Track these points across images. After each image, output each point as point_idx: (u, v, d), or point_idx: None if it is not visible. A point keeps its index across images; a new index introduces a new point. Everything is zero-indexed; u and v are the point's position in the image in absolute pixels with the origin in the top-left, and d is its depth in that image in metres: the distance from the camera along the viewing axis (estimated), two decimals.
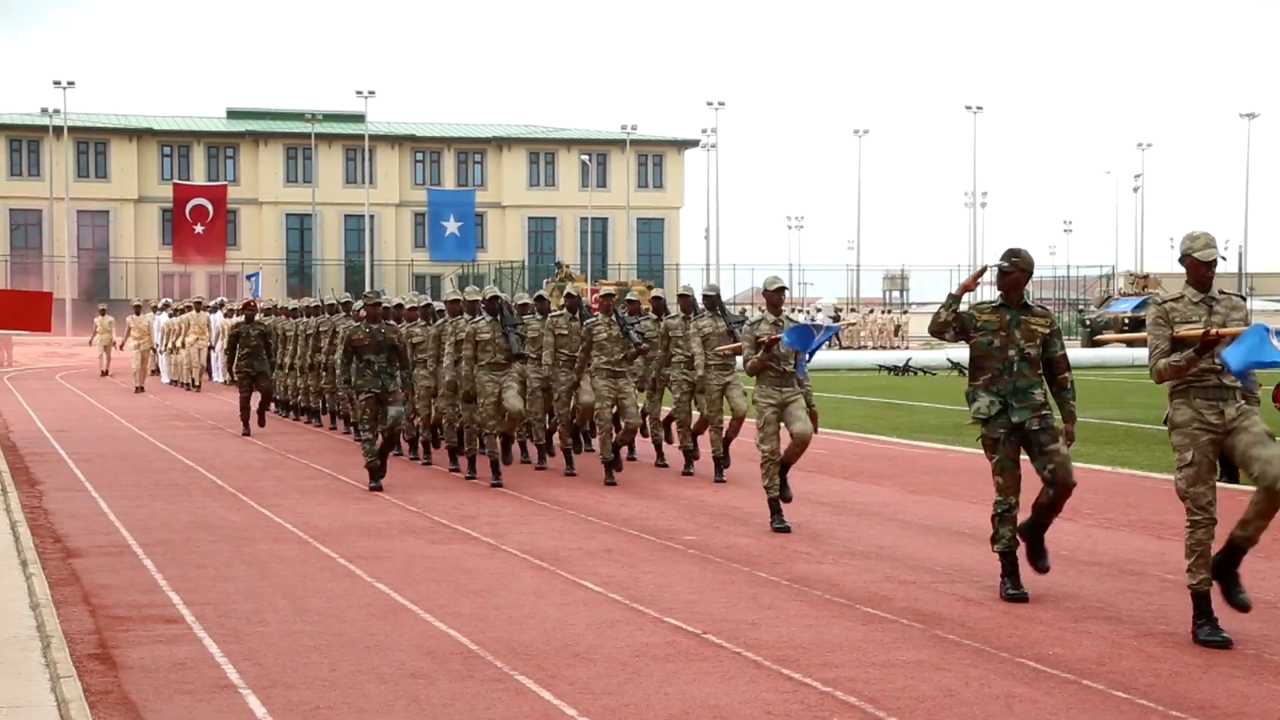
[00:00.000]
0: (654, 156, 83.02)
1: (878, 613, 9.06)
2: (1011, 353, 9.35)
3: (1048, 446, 9.29)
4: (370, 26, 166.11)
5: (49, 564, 10.68)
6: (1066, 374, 9.53)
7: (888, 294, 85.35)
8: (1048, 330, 9.48)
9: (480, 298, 15.97)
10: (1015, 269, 9.41)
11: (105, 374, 37.76)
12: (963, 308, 9.54)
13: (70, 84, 69.15)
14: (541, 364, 16.52)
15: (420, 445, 17.91)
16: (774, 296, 12.43)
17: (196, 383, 32.80)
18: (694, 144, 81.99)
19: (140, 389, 31.82)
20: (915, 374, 38.39)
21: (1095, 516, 13.08)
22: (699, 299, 16.37)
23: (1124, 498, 14.25)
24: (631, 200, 78.96)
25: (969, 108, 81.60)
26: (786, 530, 12.05)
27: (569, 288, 16.87)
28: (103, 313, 39.51)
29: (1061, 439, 9.35)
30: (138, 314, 35.21)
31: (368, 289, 52.98)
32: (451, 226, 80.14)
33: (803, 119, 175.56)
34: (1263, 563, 10.84)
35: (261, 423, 22.04)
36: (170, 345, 34.16)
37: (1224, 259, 8.72)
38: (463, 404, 15.86)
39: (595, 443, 17.11)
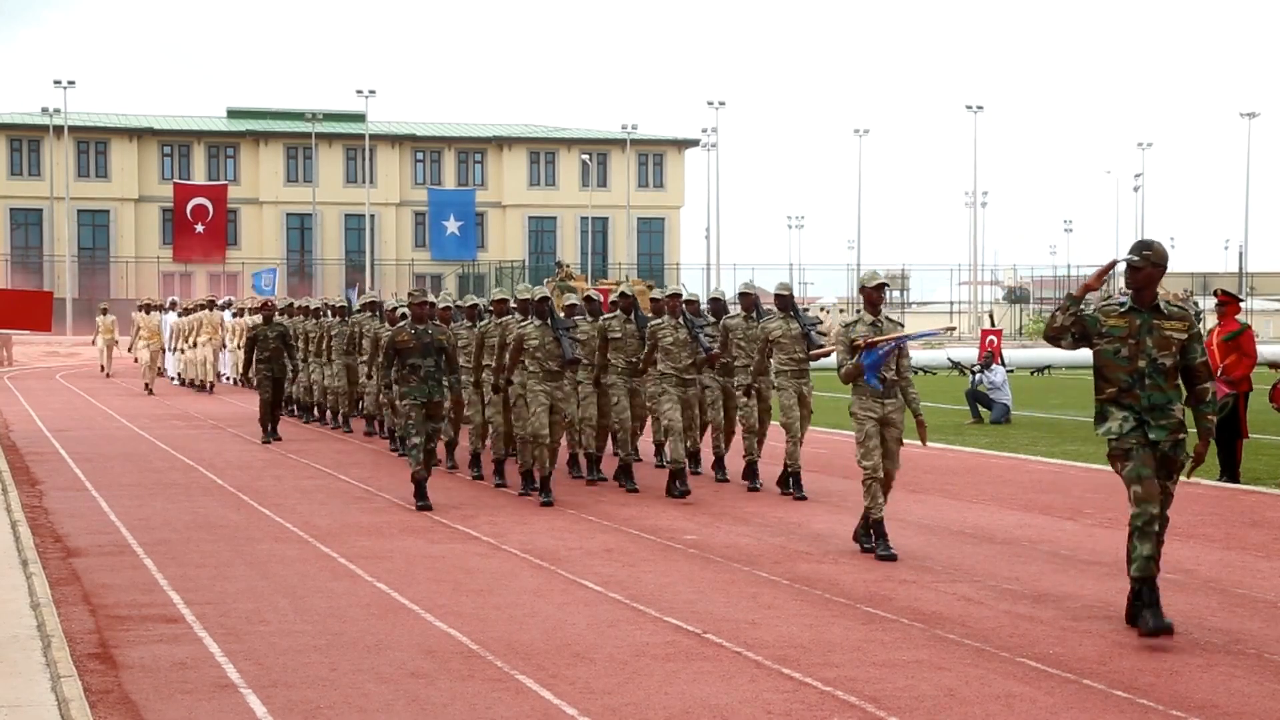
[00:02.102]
0: (654, 156, 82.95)
1: (878, 612, 9.06)
2: (1142, 363, 8.26)
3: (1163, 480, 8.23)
4: (370, 26, 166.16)
5: (49, 563, 10.68)
6: (1207, 384, 8.40)
7: (888, 294, 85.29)
8: (1185, 335, 8.32)
9: (529, 298, 14.48)
10: (1147, 264, 8.20)
11: (108, 375, 37.12)
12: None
13: (71, 84, 69.05)
14: (593, 369, 14.89)
15: (471, 457, 16.32)
16: (873, 294, 11.05)
17: (209, 384, 31.72)
18: (694, 144, 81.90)
19: (149, 389, 31.04)
20: (915, 374, 38.36)
21: (1095, 516, 13.08)
22: (714, 299, 15.56)
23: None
24: (632, 200, 78.93)
25: (969, 107, 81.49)
26: (893, 558, 10.77)
27: (623, 286, 15.40)
28: (104, 312, 38.85)
29: (1178, 474, 8.39)
30: (146, 313, 34.00)
31: (371, 289, 51.94)
32: (452, 226, 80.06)
33: (803, 119, 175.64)
34: (1263, 562, 10.85)
35: (275, 435, 20.39)
36: (180, 345, 33.25)
37: None
38: (511, 414, 14.60)
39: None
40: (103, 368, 37.96)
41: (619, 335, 14.71)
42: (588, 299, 16.19)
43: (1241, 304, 16.21)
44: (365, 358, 20.38)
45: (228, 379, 34.33)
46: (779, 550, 11.32)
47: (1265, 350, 18.20)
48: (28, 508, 13.47)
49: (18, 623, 8.64)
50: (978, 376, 23.89)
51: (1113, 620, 8.81)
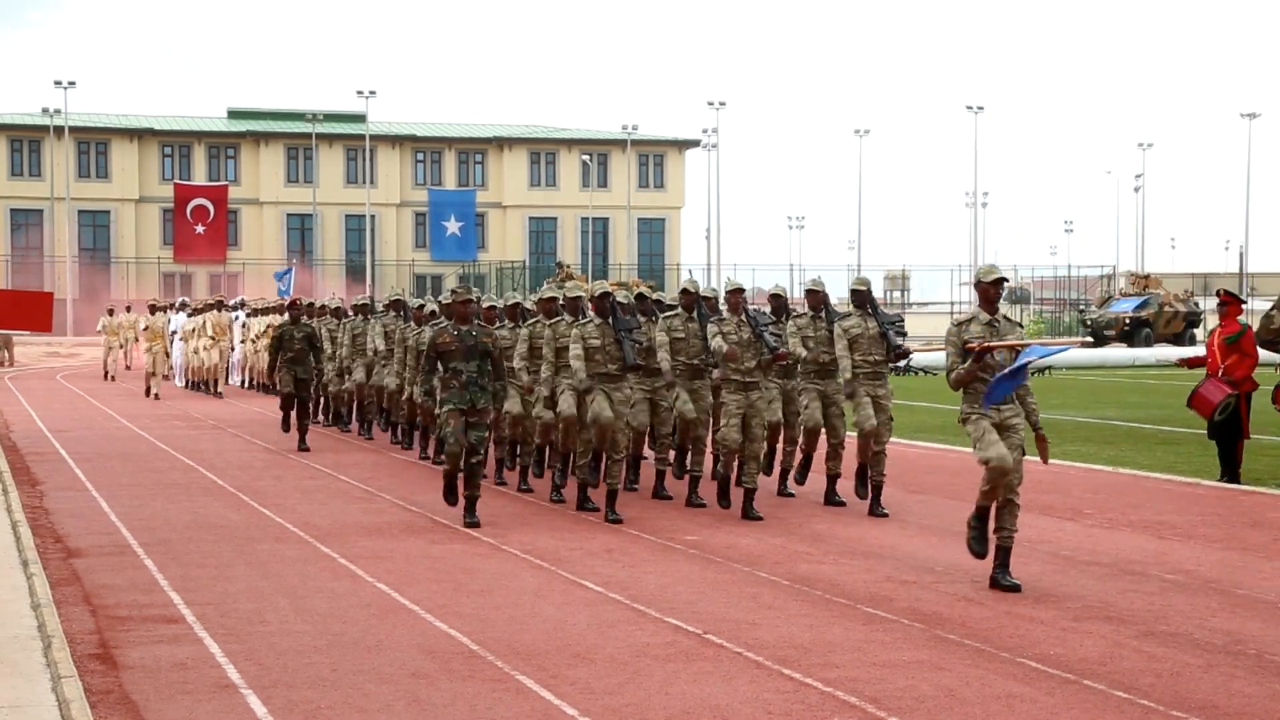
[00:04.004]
0: (655, 156, 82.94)
1: (878, 613, 9.06)
2: None
3: None
4: (370, 26, 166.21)
5: (50, 564, 10.68)
6: None
7: (889, 294, 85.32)
8: None
9: (584, 295, 13.43)
10: None
11: (111, 377, 35.64)
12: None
13: (71, 84, 69.11)
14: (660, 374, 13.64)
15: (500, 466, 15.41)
16: (990, 289, 9.75)
17: (217, 389, 30.33)
18: (695, 144, 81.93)
19: (156, 395, 29.40)
20: (915, 374, 38.36)
21: (1096, 516, 13.08)
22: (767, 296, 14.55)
23: (1125, 498, 14.25)
24: (632, 200, 78.91)
25: (969, 108, 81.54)
26: (982, 555, 9.79)
27: (685, 283, 14.11)
28: (110, 313, 37.36)
29: None
30: (152, 313, 32.72)
31: (371, 289, 51.08)
32: (452, 226, 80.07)
33: (803, 119, 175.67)
34: (1264, 563, 10.85)
35: (303, 445, 19.15)
36: (188, 347, 31.88)
37: None
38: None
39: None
40: (109, 374, 36.14)
41: (681, 335, 13.62)
42: (639, 297, 14.93)
43: (1244, 305, 16.24)
44: (388, 362, 19.38)
45: (239, 383, 33.01)
46: (779, 551, 11.32)
47: (1266, 351, 18.22)
48: (28, 508, 13.47)
49: (18, 623, 8.64)
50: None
51: (1113, 621, 8.81)
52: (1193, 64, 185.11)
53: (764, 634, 8.45)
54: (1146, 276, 60.44)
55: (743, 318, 12.92)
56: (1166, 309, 54.55)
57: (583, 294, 13.84)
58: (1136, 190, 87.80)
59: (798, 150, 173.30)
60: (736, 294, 13.04)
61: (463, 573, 10.41)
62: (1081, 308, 67.49)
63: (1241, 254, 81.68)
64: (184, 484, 15.58)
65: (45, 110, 72.59)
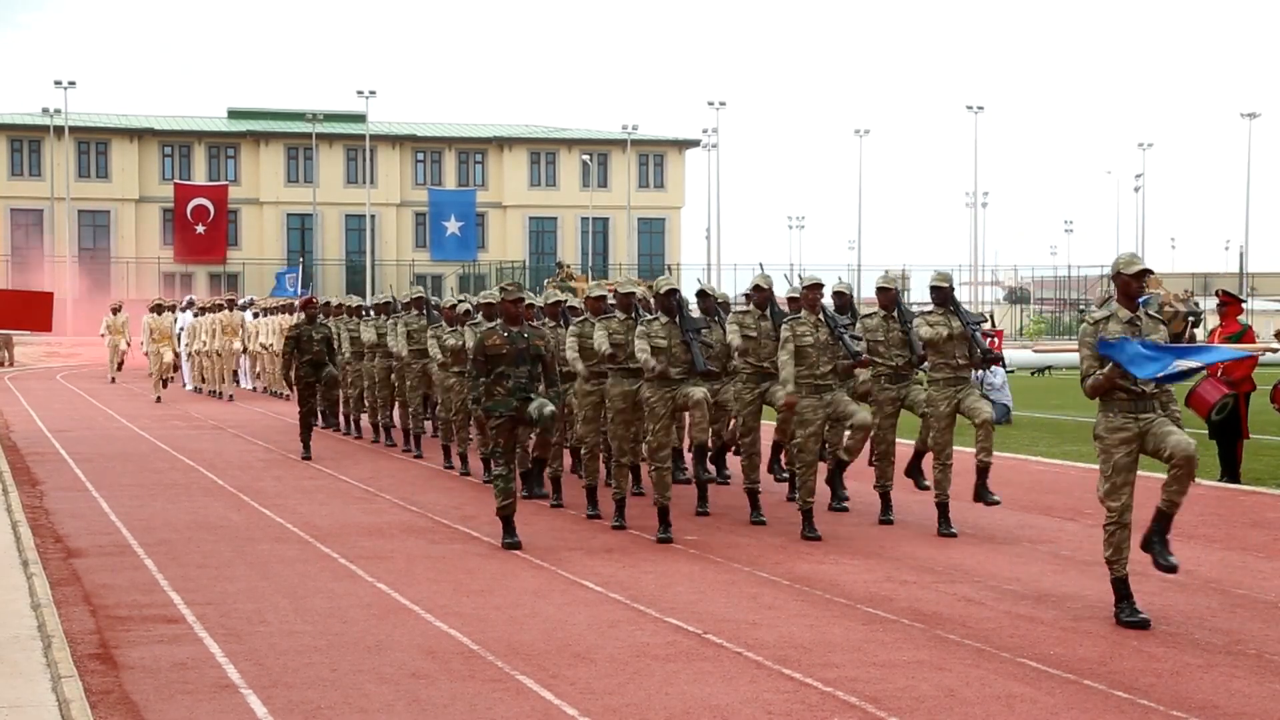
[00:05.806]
0: (655, 156, 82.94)
1: (878, 613, 9.06)
2: None
3: None
4: (370, 26, 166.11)
5: (50, 564, 10.68)
6: None
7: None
8: None
9: (642, 293, 12.70)
10: None
11: (113, 379, 34.75)
12: None
13: (71, 84, 69.13)
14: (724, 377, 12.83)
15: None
16: (1132, 283, 8.64)
17: (228, 392, 29.42)
18: (695, 144, 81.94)
19: (158, 398, 28.80)
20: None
21: (1095, 517, 13.07)
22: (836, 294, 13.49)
23: None
24: (632, 200, 78.91)
25: (969, 108, 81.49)
26: (1145, 624, 8.58)
27: (758, 278, 12.98)
28: (114, 311, 35.57)
29: None
30: (158, 313, 31.42)
31: (371, 289, 50.71)
32: (452, 226, 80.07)
33: (803, 119, 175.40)
34: (1264, 563, 10.86)
35: (327, 423, 18.87)
36: (196, 348, 30.75)
37: None
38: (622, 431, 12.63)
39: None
40: (113, 377, 35.04)
41: (753, 335, 12.66)
42: (701, 294, 13.91)
43: (1244, 305, 16.25)
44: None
45: (248, 386, 32.15)
46: (780, 550, 11.32)
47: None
48: (28, 508, 13.47)
49: (19, 623, 8.65)
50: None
51: (1113, 621, 8.80)
52: (1193, 64, 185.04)
53: (764, 634, 8.45)
54: None
55: (820, 317, 11.87)
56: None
57: (635, 290, 12.98)
58: (1136, 190, 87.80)
59: (798, 150, 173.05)
60: (815, 290, 11.88)
61: (463, 573, 10.41)
62: (1081, 308, 67.53)
63: (1241, 254, 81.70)
64: (184, 484, 15.58)
65: (45, 110, 72.60)
